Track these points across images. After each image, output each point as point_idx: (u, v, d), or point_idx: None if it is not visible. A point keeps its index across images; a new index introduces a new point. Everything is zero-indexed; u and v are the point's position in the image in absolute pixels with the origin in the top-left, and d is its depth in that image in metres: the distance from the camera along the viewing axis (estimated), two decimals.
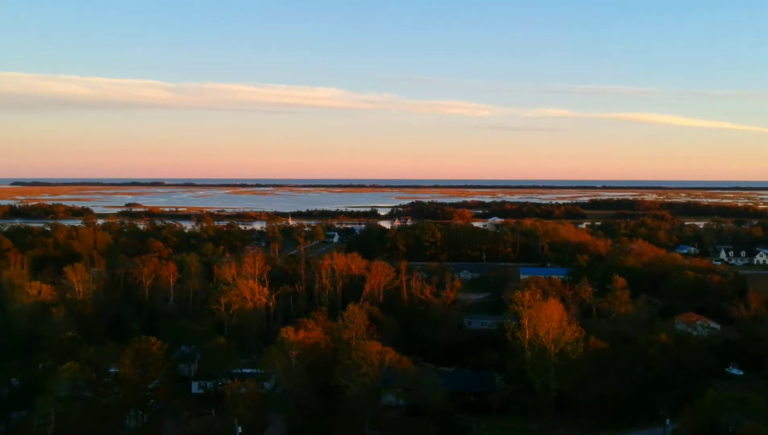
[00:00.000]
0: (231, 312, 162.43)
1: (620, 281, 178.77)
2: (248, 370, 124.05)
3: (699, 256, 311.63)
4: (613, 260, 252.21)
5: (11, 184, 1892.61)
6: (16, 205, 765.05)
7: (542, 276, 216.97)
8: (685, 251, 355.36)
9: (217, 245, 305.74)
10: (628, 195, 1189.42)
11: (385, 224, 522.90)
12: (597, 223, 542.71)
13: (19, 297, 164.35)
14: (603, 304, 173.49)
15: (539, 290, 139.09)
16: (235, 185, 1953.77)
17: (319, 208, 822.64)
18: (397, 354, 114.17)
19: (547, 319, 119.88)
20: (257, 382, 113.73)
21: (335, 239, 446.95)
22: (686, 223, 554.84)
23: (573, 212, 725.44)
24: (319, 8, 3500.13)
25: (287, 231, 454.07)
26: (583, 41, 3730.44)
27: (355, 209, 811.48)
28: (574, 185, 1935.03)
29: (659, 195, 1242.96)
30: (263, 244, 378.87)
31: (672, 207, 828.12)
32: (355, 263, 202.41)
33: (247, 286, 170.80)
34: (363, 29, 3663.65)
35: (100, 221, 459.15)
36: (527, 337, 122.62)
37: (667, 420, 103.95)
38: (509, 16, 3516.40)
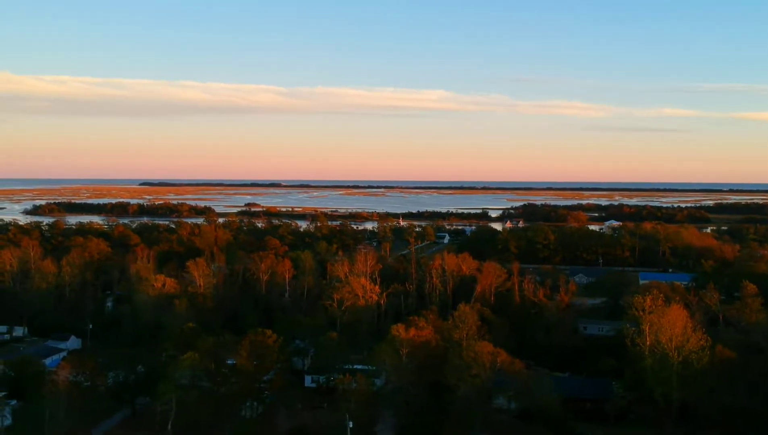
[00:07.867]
0: (343, 308, 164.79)
1: (750, 288, 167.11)
2: (359, 366, 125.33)
3: None
4: (742, 266, 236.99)
5: (140, 185, 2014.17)
6: (144, 204, 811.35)
7: (663, 281, 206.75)
8: None
9: (331, 244, 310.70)
10: (758, 199, 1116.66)
11: (496, 226, 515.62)
12: (723, 227, 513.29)
13: (145, 289, 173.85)
14: (731, 312, 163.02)
15: (661, 295, 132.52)
16: (348, 186, 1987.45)
17: (430, 209, 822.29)
18: (509, 356, 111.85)
19: (669, 326, 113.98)
20: (368, 378, 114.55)
21: (445, 240, 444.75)
22: None
23: (696, 216, 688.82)
24: (424, 11, 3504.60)
25: (398, 231, 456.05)
26: (702, 38, 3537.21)
27: (465, 211, 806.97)
28: (697, 188, 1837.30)
29: None
30: (375, 243, 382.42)
31: None
32: (466, 264, 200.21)
33: (359, 283, 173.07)
34: (469, 30, 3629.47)
35: (220, 220, 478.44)
36: (648, 343, 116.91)
37: None
38: (621, 11, 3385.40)
